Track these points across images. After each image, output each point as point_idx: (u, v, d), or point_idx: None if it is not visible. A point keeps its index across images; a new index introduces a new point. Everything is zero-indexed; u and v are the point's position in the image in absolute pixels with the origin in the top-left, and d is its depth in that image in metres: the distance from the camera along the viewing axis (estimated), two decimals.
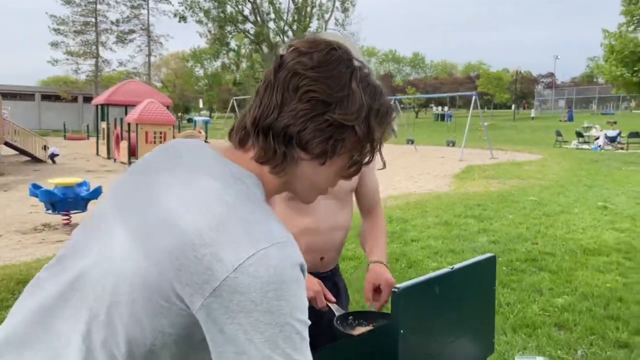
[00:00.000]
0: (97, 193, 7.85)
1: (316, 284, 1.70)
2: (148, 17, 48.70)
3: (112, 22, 47.65)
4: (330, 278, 1.89)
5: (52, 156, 17.94)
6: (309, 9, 45.31)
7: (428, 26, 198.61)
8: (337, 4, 45.37)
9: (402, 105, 50.65)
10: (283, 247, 0.78)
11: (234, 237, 0.77)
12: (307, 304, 0.79)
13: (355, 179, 1.75)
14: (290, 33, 44.18)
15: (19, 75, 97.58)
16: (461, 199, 9.30)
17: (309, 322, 0.79)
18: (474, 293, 1.53)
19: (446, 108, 48.68)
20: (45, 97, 47.37)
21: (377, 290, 1.67)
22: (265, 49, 43.49)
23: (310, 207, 1.71)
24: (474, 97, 20.18)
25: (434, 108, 61.91)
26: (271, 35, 44.10)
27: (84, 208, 7.84)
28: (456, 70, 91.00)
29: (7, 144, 16.81)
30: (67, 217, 7.89)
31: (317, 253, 1.79)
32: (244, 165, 0.88)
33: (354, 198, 1.89)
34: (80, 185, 7.89)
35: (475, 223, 7.25)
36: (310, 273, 1.78)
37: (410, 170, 14.75)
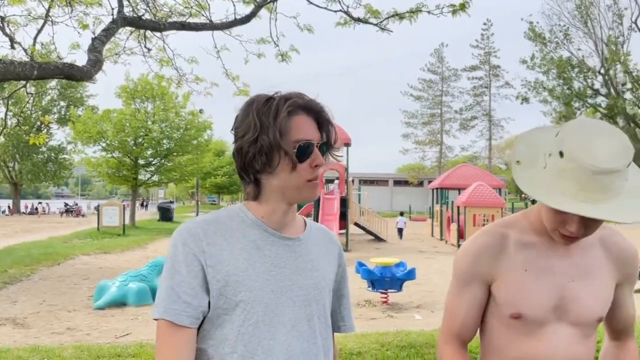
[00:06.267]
0: (411, 274, 8.02)
1: None
2: (490, 103, 50.14)
3: (455, 111, 50.92)
4: None
5: (400, 231, 20.53)
6: None
7: None
8: None
9: None
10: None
11: None
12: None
13: (605, 304, 1.40)
14: None
15: (378, 163, 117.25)
16: None
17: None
18: None
19: None
20: (397, 183, 53.20)
21: None
22: (620, 122, 38.63)
23: (540, 332, 1.35)
24: None
25: None
26: (628, 107, 39.04)
27: (399, 288, 8.08)
28: None
29: (356, 224, 19.24)
30: (385, 296, 8.27)
31: None
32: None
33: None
34: (397, 265, 8.22)
35: None
36: None
37: None
